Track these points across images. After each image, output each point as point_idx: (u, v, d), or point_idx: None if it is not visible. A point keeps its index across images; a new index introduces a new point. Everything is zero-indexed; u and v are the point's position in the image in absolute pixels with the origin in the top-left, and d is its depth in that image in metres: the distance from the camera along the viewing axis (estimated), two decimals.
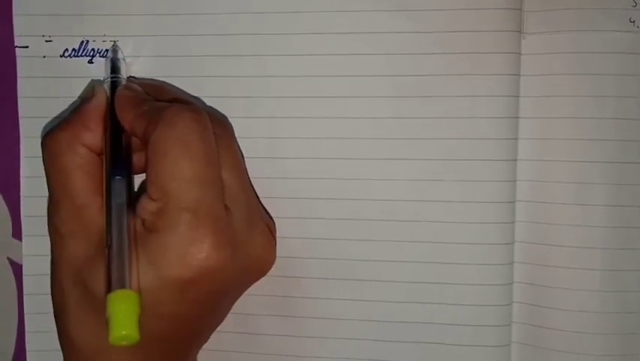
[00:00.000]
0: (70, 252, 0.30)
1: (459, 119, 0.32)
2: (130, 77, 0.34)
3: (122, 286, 0.26)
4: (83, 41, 0.34)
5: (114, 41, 0.34)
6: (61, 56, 0.34)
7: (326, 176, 0.33)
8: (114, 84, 0.32)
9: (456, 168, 0.33)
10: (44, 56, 0.34)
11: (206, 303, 0.30)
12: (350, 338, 0.34)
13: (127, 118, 0.30)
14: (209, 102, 0.34)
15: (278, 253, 0.33)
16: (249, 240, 0.31)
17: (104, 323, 0.26)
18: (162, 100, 0.31)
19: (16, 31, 0.34)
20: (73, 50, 0.34)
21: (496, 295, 0.33)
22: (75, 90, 0.34)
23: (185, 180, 0.28)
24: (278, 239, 0.33)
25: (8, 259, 0.36)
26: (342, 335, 0.34)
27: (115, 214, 0.28)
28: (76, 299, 0.29)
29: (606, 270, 0.32)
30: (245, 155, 0.33)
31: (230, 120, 0.33)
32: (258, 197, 0.33)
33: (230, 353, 0.34)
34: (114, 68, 0.33)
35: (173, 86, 0.34)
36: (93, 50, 0.34)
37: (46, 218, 0.31)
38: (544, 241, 0.33)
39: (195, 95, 0.34)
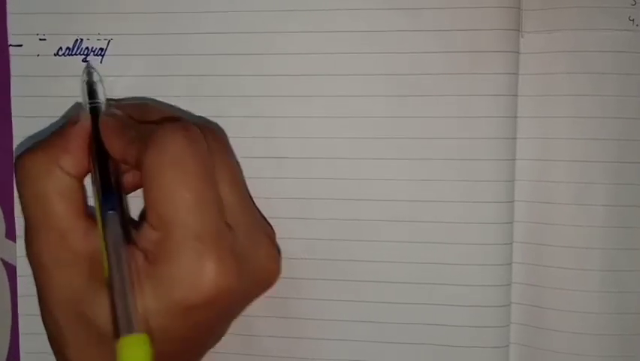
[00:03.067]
0: (58, 282, 0.29)
1: (457, 119, 0.32)
2: (108, 99, 0.32)
3: (131, 329, 0.25)
4: (77, 40, 0.34)
5: (87, 62, 0.33)
6: (55, 55, 0.34)
7: (324, 176, 0.33)
8: (94, 110, 0.31)
9: (454, 167, 0.32)
10: (38, 55, 0.34)
11: (213, 323, 0.30)
12: (347, 339, 0.34)
13: (116, 147, 0.29)
14: (205, 102, 0.33)
15: None
16: (253, 255, 0.30)
17: (110, 352, 0.25)
18: (149, 120, 0.30)
19: (10, 29, 0.34)
20: (68, 48, 0.34)
21: (495, 296, 0.33)
22: (69, 89, 0.34)
23: (184, 207, 0.27)
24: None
25: (2, 260, 0.35)
26: (339, 337, 0.34)
27: (112, 252, 0.27)
28: (77, 331, 0.28)
29: (606, 270, 0.32)
30: (242, 155, 0.33)
31: (227, 120, 0.33)
32: (256, 207, 0.33)
33: (228, 355, 0.34)
34: (91, 93, 0.31)
35: (158, 102, 0.33)
36: (87, 48, 0.34)
37: None
38: (543, 241, 0.33)
39: (191, 94, 0.33)
